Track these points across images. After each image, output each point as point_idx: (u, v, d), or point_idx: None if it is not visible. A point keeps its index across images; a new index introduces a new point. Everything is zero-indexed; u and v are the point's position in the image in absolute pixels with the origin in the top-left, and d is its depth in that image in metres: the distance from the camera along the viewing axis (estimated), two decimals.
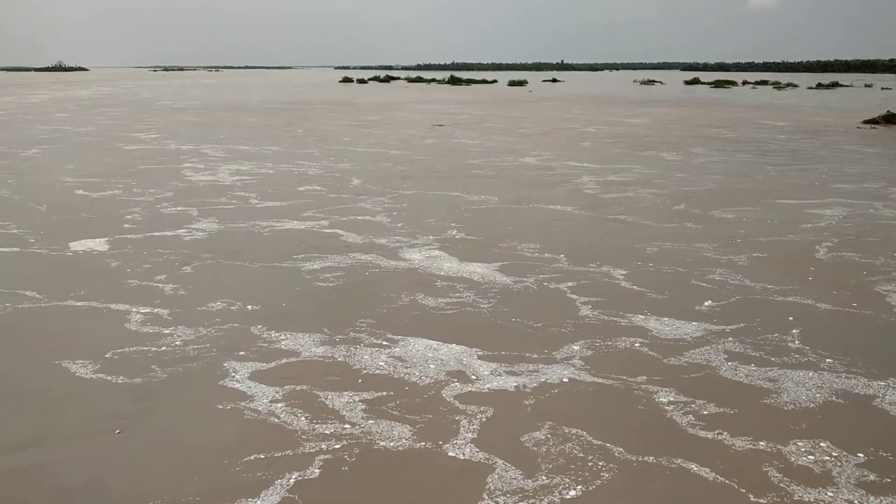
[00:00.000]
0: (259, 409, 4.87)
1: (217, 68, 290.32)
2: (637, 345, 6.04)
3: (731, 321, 6.62)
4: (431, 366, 5.57)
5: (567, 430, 4.62)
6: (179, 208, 11.71)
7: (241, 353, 5.80)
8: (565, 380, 5.35)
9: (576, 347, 5.95)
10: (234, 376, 5.36)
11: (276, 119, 31.15)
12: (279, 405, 4.91)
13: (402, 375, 5.40)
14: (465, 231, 10.19)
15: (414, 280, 7.85)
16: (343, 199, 12.54)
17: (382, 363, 5.61)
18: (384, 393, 5.10)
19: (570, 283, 7.76)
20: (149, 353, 5.78)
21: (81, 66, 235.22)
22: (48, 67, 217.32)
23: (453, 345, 5.97)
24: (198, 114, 34.56)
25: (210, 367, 5.54)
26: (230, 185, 13.92)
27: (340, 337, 6.15)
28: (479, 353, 5.82)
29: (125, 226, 10.36)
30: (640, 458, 4.31)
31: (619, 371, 5.51)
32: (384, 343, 6.02)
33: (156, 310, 6.80)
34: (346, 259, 8.64)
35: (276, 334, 6.20)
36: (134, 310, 6.79)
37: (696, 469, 4.20)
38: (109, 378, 5.34)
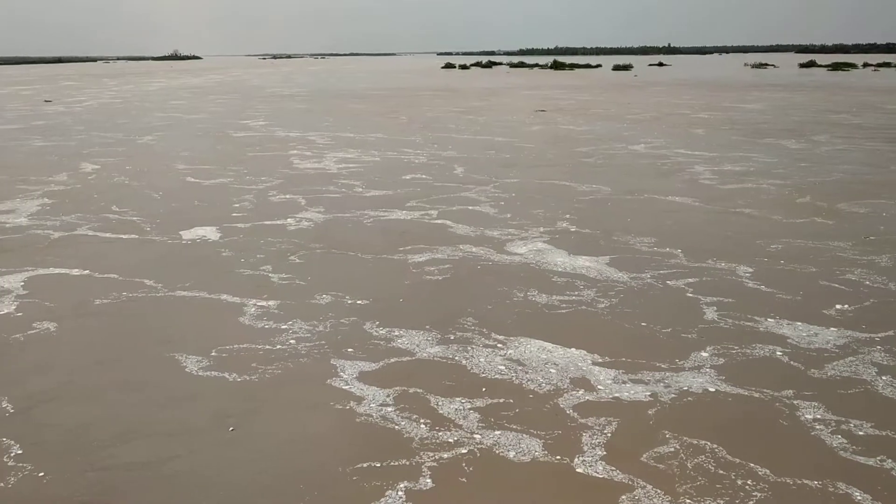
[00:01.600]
0: (370, 412, 4.66)
1: (323, 55, 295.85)
2: (774, 353, 5.54)
3: (877, 329, 6.01)
4: (552, 370, 5.23)
5: (703, 445, 4.22)
6: (287, 196, 11.74)
7: (352, 350, 5.62)
8: (696, 390, 4.93)
9: (704, 354, 5.50)
10: (344, 376, 5.18)
11: (380, 106, 31.30)
12: (390, 409, 4.69)
13: (519, 381, 5.08)
14: (576, 223, 9.79)
15: (525, 275, 7.53)
16: (448, 188, 12.31)
17: (498, 366, 5.31)
18: (501, 399, 4.80)
19: (690, 282, 7.28)
20: (259, 349, 5.67)
21: (195, 54, 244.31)
22: (164, 56, 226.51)
23: (572, 349, 5.61)
24: (304, 101, 35.13)
25: (320, 365, 5.38)
26: (336, 173, 13.92)
27: (453, 335, 5.90)
28: (600, 357, 5.45)
29: (234, 214, 10.44)
30: (796, 481, 3.87)
31: (756, 382, 5.04)
32: (498, 344, 5.73)
33: (266, 302, 6.72)
34: (453, 251, 8.39)
35: (388, 331, 5.99)
36: (244, 301, 6.74)
37: (859, 497, 3.73)
38: (220, 373, 5.26)
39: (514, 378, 5.12)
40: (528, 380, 5.09)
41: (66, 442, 4.37)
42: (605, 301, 6.71)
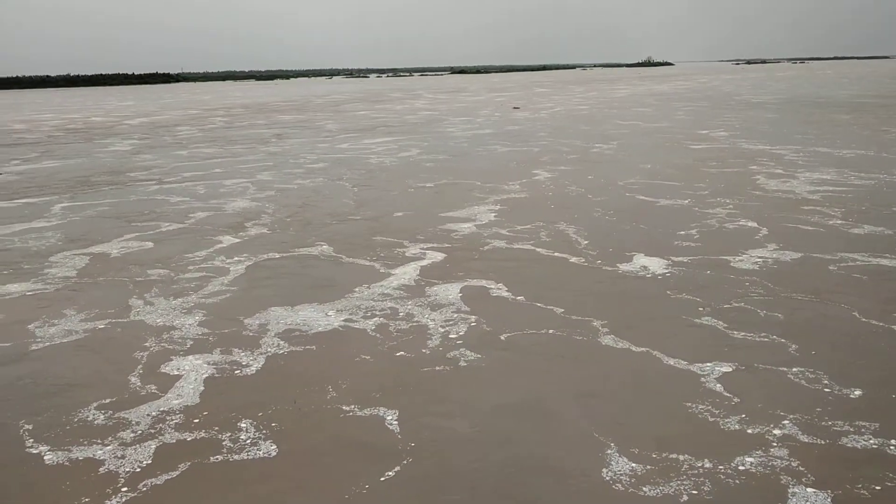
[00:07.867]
0: None
1: (801, 60, 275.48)
2: None
3: None
4: None
5: None
6: (746, 223, 10.15)
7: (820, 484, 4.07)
8: None
9: None
10: None
11: (869, 117, 27.12)
12: None
13: None
14: None
15: None
16: None
17: None
18: None
19: None
20: (708, 457, 4.44)
21: (667, 60, 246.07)
22: (636, 63, 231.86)
23: None
24: (775, 109, 32.20)
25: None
26: (808, 199, 11.83)
27: None
28: None
29: (683, 243, 9.18)
30: None
31: None
32: None
33: (721, 368, 5.42)
34: None
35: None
36: (696, 369, 5.53)
37: None
38: (655, 482, 4.15)
39: None
40: None
41: None
42: None
